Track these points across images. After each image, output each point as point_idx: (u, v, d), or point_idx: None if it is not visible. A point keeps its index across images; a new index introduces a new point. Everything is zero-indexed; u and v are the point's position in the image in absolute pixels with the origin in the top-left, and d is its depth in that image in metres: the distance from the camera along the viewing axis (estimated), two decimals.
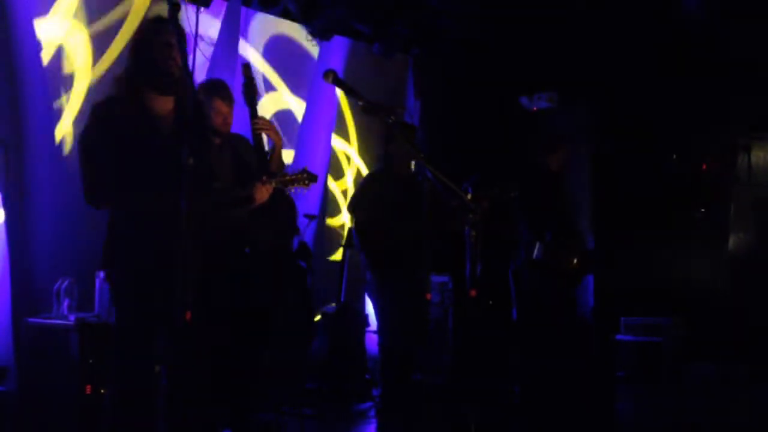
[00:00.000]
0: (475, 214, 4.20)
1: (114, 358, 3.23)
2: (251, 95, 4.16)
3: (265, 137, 4.16)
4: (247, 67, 4.25)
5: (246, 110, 4.19)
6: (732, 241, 6.93)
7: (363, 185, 5.02)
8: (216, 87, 4.15)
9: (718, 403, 5.62)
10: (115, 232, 3.13)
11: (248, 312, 4.12)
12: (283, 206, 4.34)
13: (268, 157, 4.14)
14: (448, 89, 7.61)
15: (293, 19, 6.62)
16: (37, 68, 4.92)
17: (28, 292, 4.72)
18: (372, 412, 5.53)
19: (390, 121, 4.32)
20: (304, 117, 6.77)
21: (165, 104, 3.16)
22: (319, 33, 6.64)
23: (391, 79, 7.57)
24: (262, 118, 4.21)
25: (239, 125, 4.30)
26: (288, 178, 3.81)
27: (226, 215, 3.72)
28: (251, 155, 4.13)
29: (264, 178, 3.63)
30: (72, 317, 4.42)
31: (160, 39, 3.08)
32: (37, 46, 4.93)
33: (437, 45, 7.47)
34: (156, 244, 3.04)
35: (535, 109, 7.43)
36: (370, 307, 6.03)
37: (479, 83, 7.40)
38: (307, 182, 3.83)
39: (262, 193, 3.62)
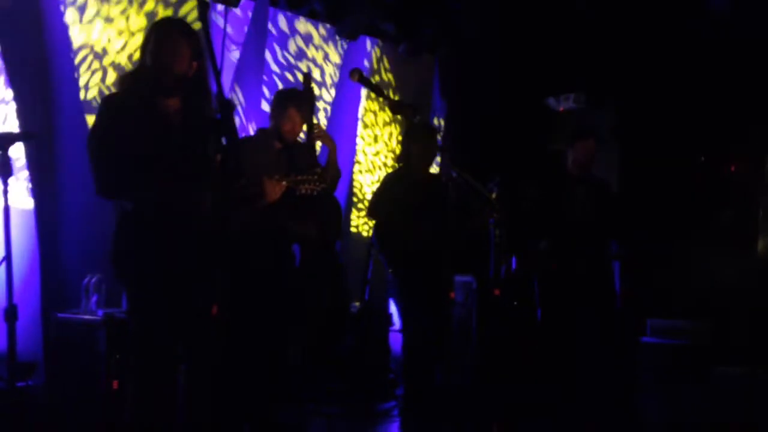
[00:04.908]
0: (500, 213, 4.21)
1: (135, 358, 3.17)
2: (310, 104, 4.24)
3: (319, 144, 4.24)
4: (307, 76, 4.31)
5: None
6: (761, 244, 6.84)
7: (383, 186, 5.01)
8: (294, 96, 4.28)
9: (745, 407, 5.54)
10: (126, 229, 3.08)
11: (284, 308, 4.16)
12: (329, 207, 4.42)
13: (323, 164, 4.25)
14: (473, 89, 7.60)
15: (320, 20, 6.66)
16: (68, 61, 4.96)
17: (57, 288, 4.78)
18: (395, 412, 5.53)
19: (415, 120, 4.36)
20: (330, 116, 6.80)
21: (172, 102, 3.16)
22: (346, 33, 6.67)
23: (418, 79, 7.57)
24: (318, 127, 4.29)
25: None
26: (299, 178, 3.65)
27: (250, 211, 3.73)
28: (305, 162, 4.17)
29: (277, 176, 3.52)
30: (100, 312, 4.48)
31: (167, 40, 3.08)
32: (68, 38, 4.96)
33: (463, 45, 7.46)
34: (172, 238, 3.03)
35: (561, 109, 7.39)
36: (393, 307, 6.03)
37: (505, 83, 7.38)
38: (318, 184, 3.66)
39: (273, 189, 3.45)
